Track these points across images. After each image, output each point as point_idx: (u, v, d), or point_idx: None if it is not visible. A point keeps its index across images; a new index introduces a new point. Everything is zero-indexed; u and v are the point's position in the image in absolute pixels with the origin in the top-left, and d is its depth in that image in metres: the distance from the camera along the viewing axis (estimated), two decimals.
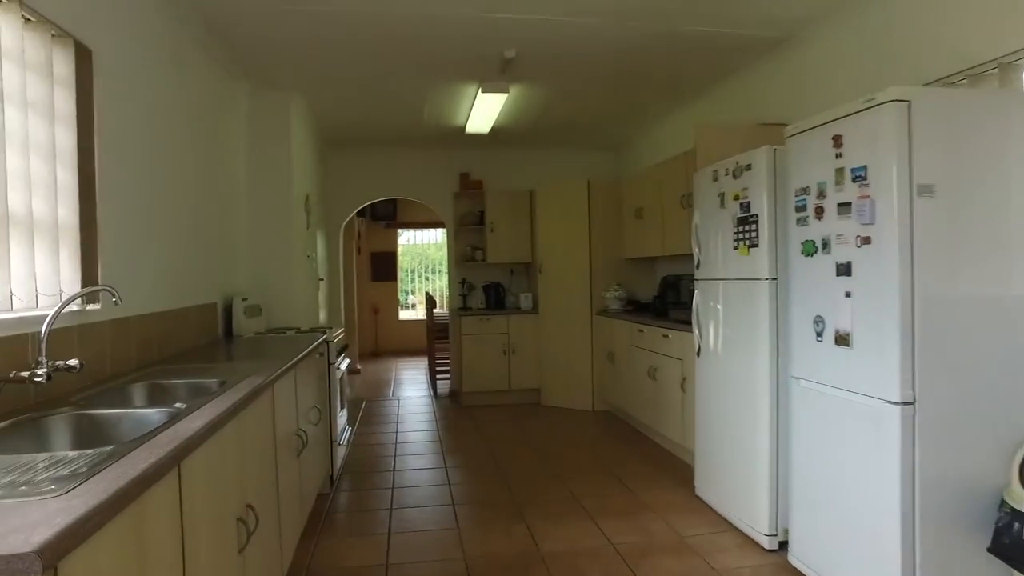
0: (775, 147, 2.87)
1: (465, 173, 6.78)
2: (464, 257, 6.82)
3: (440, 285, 11.75)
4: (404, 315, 11.16)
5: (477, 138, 6.33)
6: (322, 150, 6.40)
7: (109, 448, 1.41)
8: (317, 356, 3.59)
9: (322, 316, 6.02)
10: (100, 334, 2.29)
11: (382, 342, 10.73)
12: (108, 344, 2.35)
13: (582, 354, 6.09)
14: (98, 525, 1.05)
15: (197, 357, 2.88)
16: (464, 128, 5.87)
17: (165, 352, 2.91)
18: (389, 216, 10.37)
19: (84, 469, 1.24)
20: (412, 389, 7.45)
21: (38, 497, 1.09)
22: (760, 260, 2.92)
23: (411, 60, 4.13)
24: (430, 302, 7.40)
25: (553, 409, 6.16)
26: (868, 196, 2.21)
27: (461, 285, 6.84)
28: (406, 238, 11.57)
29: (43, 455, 1.40)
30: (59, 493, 1.10)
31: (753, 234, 2.96)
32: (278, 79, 4.44)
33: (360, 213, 8.80)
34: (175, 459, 1.39)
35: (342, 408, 4.34)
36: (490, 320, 6.33)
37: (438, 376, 7.25)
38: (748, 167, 3.00)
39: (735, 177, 3.11)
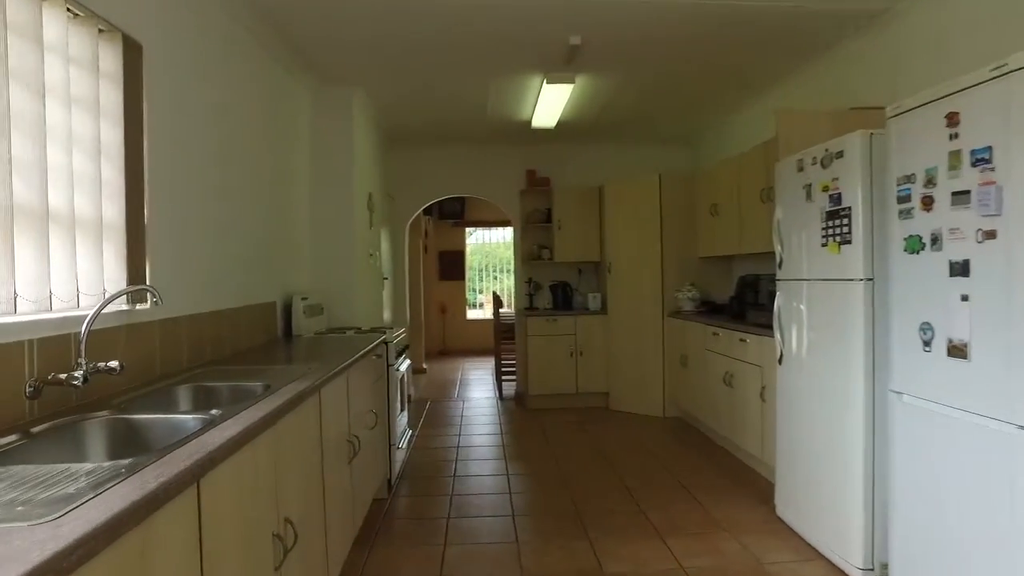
0: (872, 131, 2.54)
1: (531, 170, 6.60)
2: (531, 256, 6.64)
3: (508, 284, 11.64)
4: (472, 314, 11.10)
5: (543, 133, 6.14)
6: (386, 147, 6.37)
7: (127, 462, 1.31)
8: (374, 358, 3.50)
9: (386, 315, 5.99)
10: (148, 334, 2.24)
11: (449, 341, 10.70)
12: (157, 345, 2.31)
13: (653, 357, 5.80)
14: (84, 558, 0.93)
15: (251, 358, 2.82)
16: (530, 122, 5.70)
17: (219, 352, 2.87)
18: (457, 214, 10.33)
19: (88, 488, 1.14)
20: (477, 390, 7.34)
21: (27, 523, 0.99)
22: (853, 258, 2.60)
23: (473, 50, 3.98)
24: (497, 302, 7.27)
25: (621, 414, 5.89)
26: (993, 182, 1.88)
27: (528, 284, 6.67)
28: (475, 237, 11.52)
29: (60, 467, 1.31)
30: (49, 518, 0.99)
31: (845, 229, 2.64)
32: (340, 74, 4.40)
33: (427, 211, 8.78)
34: (193, 476, 1.27)
35: (402, 410, 4.25)
36: (557, 321, 6.13)
37: (504, 378, 7.11)
38: (839, 155, 2.68)
39: (824, 166, 2.79)
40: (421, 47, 3.93)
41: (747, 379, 4.07)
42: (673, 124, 6.02)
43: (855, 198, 2.58)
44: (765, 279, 4.47)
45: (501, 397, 6.85)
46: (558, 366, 6.14)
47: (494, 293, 8.21)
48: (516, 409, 6.24)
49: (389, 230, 6.44)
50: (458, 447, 4.87)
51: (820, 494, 2.88)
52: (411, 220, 6.87)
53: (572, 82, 4.42)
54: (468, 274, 11.13)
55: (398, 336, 4.14)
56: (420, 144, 6.62)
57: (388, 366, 3.84)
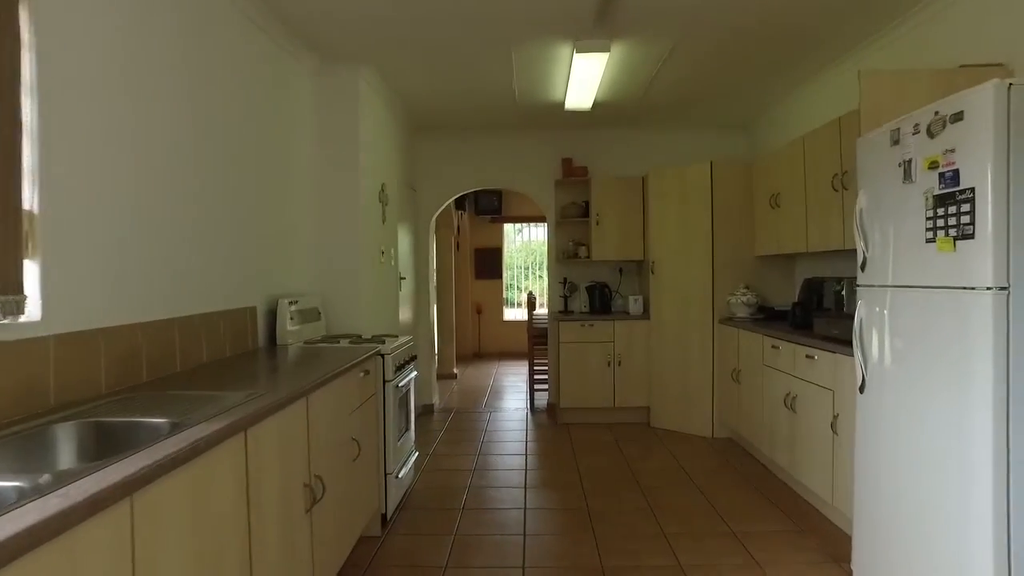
0: (1010, 81, 1.83)
1: (568, 158, 5.97)
2: (566, 253, 6.01)
3: (545, 284, 11.03)
4: (509, 314, 10.53)
5: (579, 118, 5.51)
6: (408, 136, 5.85)
7: None
8: (361, 375, 2.96)
9: (404, 317, 5.47)
10: (30, 355, 1.74)
11: (485, 344, 10.16)
12: (50, 367, 1.80)
13: (701, 370, 5.10)
14: None
15: (198, 379, 2.31)
16: (563, 104, 5.08)
17: (166, 369, 2.37)
18: (494, 209, 9.77)
19: None
20: (509, 399, 6.77)
21: None
22: (977, 259, 1.90)
23: (488, 13, 3.39)
24: (531, 303, 6.68)
25: (663, 433, 5.22)
26: None
27: (562, 285, 6.05)
28: (514, 233, 10.94)
29: None
30: None
31: (964, 219, 1.94)
32: (342, 50, 3.87)
33: (460, 206, 8.24)
34: None
35: (406, 430, 3.70)
36: (593, 326, 5.49)
37: (536, 387, 6.52)
38: (957, 117, 1.97)
39: (931, 135, 2.09)
40: (429, 17, 3.37)
41: (815, 405, 3.36)
42: (727, 104, 5.29)
43: (981, 176, 1.88)
44: (835, 282, 3.74)
45: (532, 409, 6.25)
46: (593, 377, 5.50)
47: (529, 293, 7.62)
48: (547, 423, 5.63)
49: (412, 225, 5.93)
50: (474, 470, 4.30)
51: (921, 562, 2.19)
52: (437, 214, 6.33)
53: (606, 51, 3.78)
54: (506, 273, 10.56)
55: (401, 346, 3.60)
56: (446, 133, 6.07)
57: (384, 382, 3.30)
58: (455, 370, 8.19)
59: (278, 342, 3.34)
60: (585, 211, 5.88)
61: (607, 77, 4.45)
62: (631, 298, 5.60)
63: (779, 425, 3.85)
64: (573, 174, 5.91)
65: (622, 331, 5.48)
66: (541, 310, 9.32)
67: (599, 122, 5.79)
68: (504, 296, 10.44)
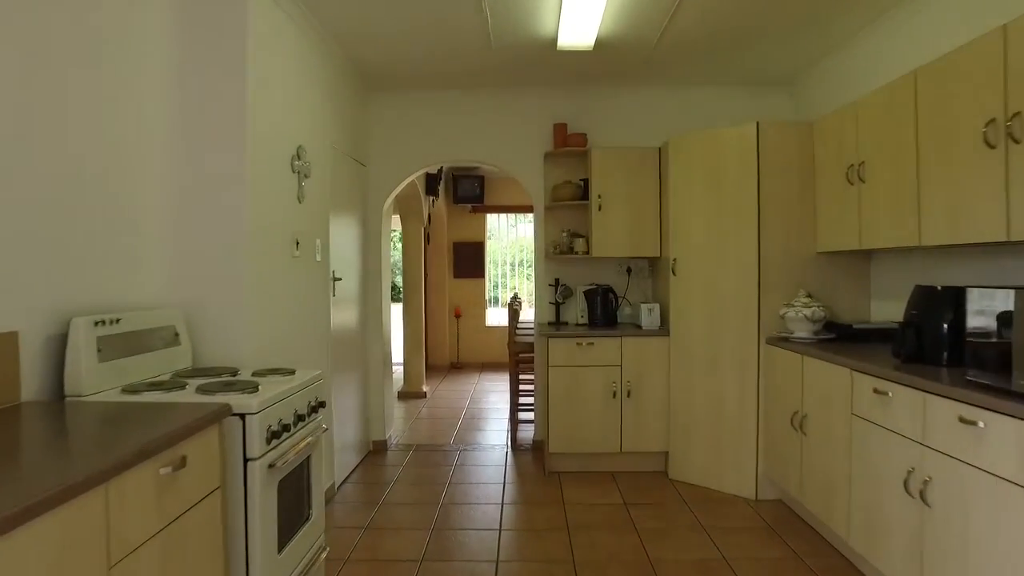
0: None
1: (561, 124, 4.60)
2: (558, 248, 4.64)
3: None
4: (493, 318, 9.16)
5: (576, 68, 4.16)
6: (356, 98, 4.46)
7: None
8: (167, 470, 1.57)
9: (343, 328, 4.08)
10: None
11: (465, 352, 8.79)
12: None
13: (740, 407, 3.76)
14: None
15: None
16: (555, 42, 3.71)
17: None
18: (475, 197, 8.39)
19: None
20: (487, 428, 5.40)
21: None
22: None
23: None
24: (513, 310, 5.28)
25: (688, 490, 3.87)
26: None
27: (554, 290, 4.69)
28: (505, 226, 9.57)
29: None
30: None
31: None
32: None
33: (431, 190, 6.86)
34: None
35: (303, 521, 2.32)
36: (594, 345, 4.13)
37: (521, 413, 5.16)
38: None
39: None
40: None
41: (980, 506, 2.01)
42: (770, 51, 3.94)
43: None
44: (980, 294, 2.37)
45: (515, 445, 4.89)
46: (594, 412, 4.14)
47: (512, 296, 6.25)
48: (532, 470, 4.27)
49: (359, 211, 4.55)
50: (422, 561, 2.93)
51: None
52: (393, 196, 4.95)
53: None
54: (490, 270, 9.19)
55: (291, 391, 2.21)
56: (404, 94, 4.70)
57: (246, 462, 1.92)
58: (424, 388, 6.81)
59: (67, 392, 1.96)
60: (583, 192, 4.52)
61: (612, 5, 3.09)
62: (644, 307, 4.24)
63: (890, 515, 2.50)
64: (568, 143, 4.53)
65: (632, 351, 4.13)
66: (528, 315, 7.95)
67: (602, 76, 4.43)
68: (487, 297, 9.07)
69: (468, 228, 8.77)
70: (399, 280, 9.31)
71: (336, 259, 3.98)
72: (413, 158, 4.79)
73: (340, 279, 3.98)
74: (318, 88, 3.63)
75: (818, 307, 3.41)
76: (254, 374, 2.37)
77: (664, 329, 4.15)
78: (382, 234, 4.83)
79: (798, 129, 3.70)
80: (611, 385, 4.12)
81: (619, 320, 4.55)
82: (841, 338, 3.38)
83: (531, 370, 5.25)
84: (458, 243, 8.74)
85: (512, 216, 9.53)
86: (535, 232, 4.82)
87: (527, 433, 5.12)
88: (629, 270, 4.71)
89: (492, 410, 6.17)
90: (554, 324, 4.62)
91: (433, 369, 8.40)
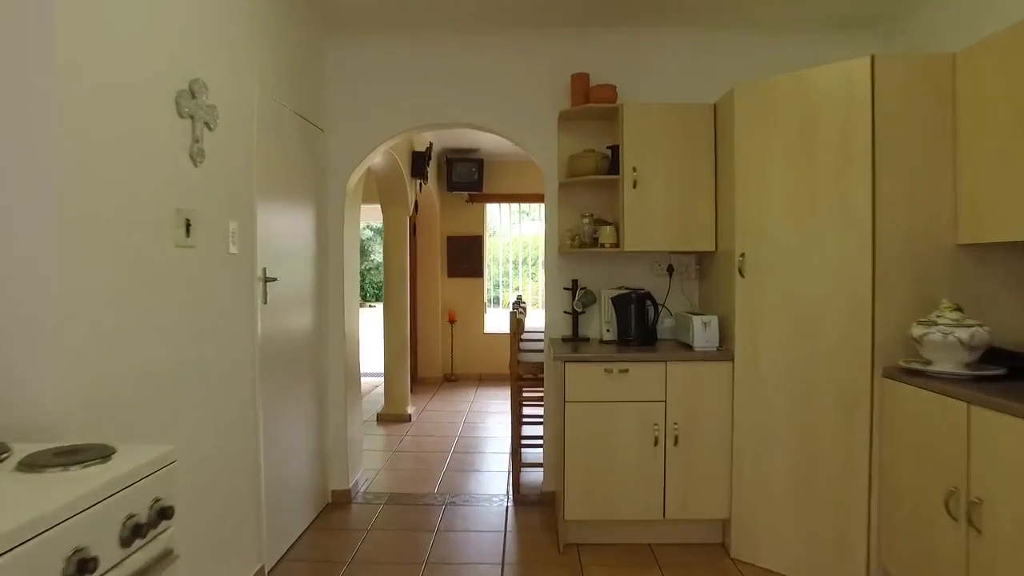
0: None
1: (581, 74, 3.44)
2: (577, 239, 3.49)
3: (541, 288, 8.56)
4: (493, 322, 8.01)
5: (602, 5, 3.02)
6: (309, 36, 3.32)
7: None
8: None
9: (287, 332, 2.93)
10: None
11: (460, 363, 7.64)
12: None
13: (846, 465, 2.62)
14: None
15: None
16: None
17: None
18: (472, 184, 7.24)
19: None
20: (482, 470, 4.27)
21: None
22: None
23: None
24: (516, 321, 4.12)
25: (758, 575, 2.74)
26: None
27: (571, 295, 3.55)
28: (495, 216, 8.45)
29: None
30: None
31: None
32: None
33: (417, 171, 5.71)
34: None
35: None
36: (628, 373, 2.98)
37: (525, 453, 4.03)
38: None
39: None
40: None
41: None
42: None
43: None
44: None
45: (516, 496, 3.76)
46: (628, 463, 3.00)
47: (515, 301, 5.12)
48: (541, 540, 3.14)
49: (313, 191, 3.42)
50: None
51: None
52: (361, 172, 3.82)
53: None
54: (489, 269, 8.06)
55: (85, 500, 1.09)
56: (379, 33, 3.55)
57: None
58: (409, 409, 5.67)
59: None
60: (612, 164, 3.37)
61: None
62: (696, 320, 3.09)
63: None
64: (591, 99, 3.38)
65: (681, 381, 2.99)
66: (533, 324, 6.75)
67: (638, 12, 3.29)
68: (486, 298, 7.93)
69: (464, 220, 7.62)
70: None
71: (273, 252, 2.85)
72: (387, 122, 3.65)
73: (273, 279, 2.84)
74: (238, 7, 2.50)
75: (978, 327, 2.26)
76: (22, 462, 1.24)
77: (725, 350, 3.01)
78: (345, 220, 3.69)
79: (934, 64, 2.55)
80: (652, 428, 2.98)
81: (658, 336, 3.41)
82: (1016, 374, 2.23)
83: (538, 392, 4.12)
84: (453, 237, 7.59)
85: (515, 208, 8.38)
86: (546, 218, 3.67)
87: (533, 477, 3.99)
88: (671, 269, 3.56)
89: (490, 440, 5.03)
90: (571, 340, 3.48)
91: (423, 383, 7.26)
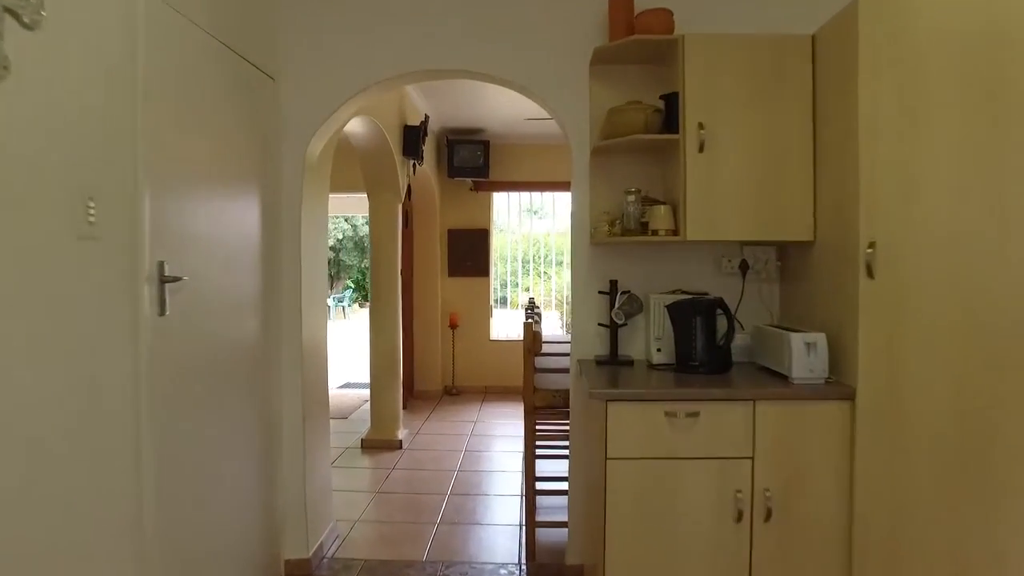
0: None
1: None
2: (618, 225, 2.54)
3: (564, 282, 7.77)
4: (500, 327, 7.09)
5: None
6: None
7: None
8: None
9: (214, 347, 2.00)
10: None
11: (463, 373, 6.72)
12: None
13: None
14: None
15: None
16: None
17: None
18: (476, 169, 6.31)
19: None
20: (485, 523, 3.35)
21: None
22: None
23: None
24: (531, 333, 3.14)
25: None
26: None
27: (610, 301, 2.61)
28: (503, 207, 7.53)
29: None
30: None
31: None
32: None
33: (409, 150, 4.77)
34: None
35: None
36: (698, 418, 2.05)
37: (541, 506, 3.10)
38: None
39: None
40: None
41: None
42: None
43: None
44: None
45: (532, 568, 2.83)
46: (693, 546, 2.06)
47: (528, 303, 4.20)
48: None
49: (260, 158, 2.50)
50: None
51: None
52: (324, 137, 2.90)
53: None
54: (496, 268, 7.15)
55: None
56: None
57: None
58: (400, 434, 4.75)
59: None
60: (667, 121, 2.43)
61: None
62: (794, 339, 2.13)
63: None
64: (637, 30, 2.43)
65: (775, 428, 2.05)
66: (549, 331, 5.80)
67: None
68: (493, 299, 7.01)
69: (468, 211, 6.69)
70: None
71: (180, 241, 1.93)
72: (361, 67, 2.72)
73: (179, 279, 1.91)
74: None
75: None
76: None
77: (839, 383, 2.07)
78: (304, 199, 2.76)
79: None
80: (733, 496, 2.05)
81: (732, 357, 2.46)
82: None
83: (559, 427, 3.21)
84: (455, 230, 6.67)
85: (526, 199, 7.45)
86: (573, 198, 2.73)
87: (553, 539, 3.06)
88: (744, 267, 2.62)
89: (496, 476, 4.11)
90: (608, 362, 2.55)
91: (419, 398, 6.34)
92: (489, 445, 4.79)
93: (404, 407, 5.26)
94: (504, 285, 7.96)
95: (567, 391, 2.83)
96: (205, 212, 2.13)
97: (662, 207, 2.40)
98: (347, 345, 10.30)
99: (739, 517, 2.05)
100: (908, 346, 1.92)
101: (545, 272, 8.71)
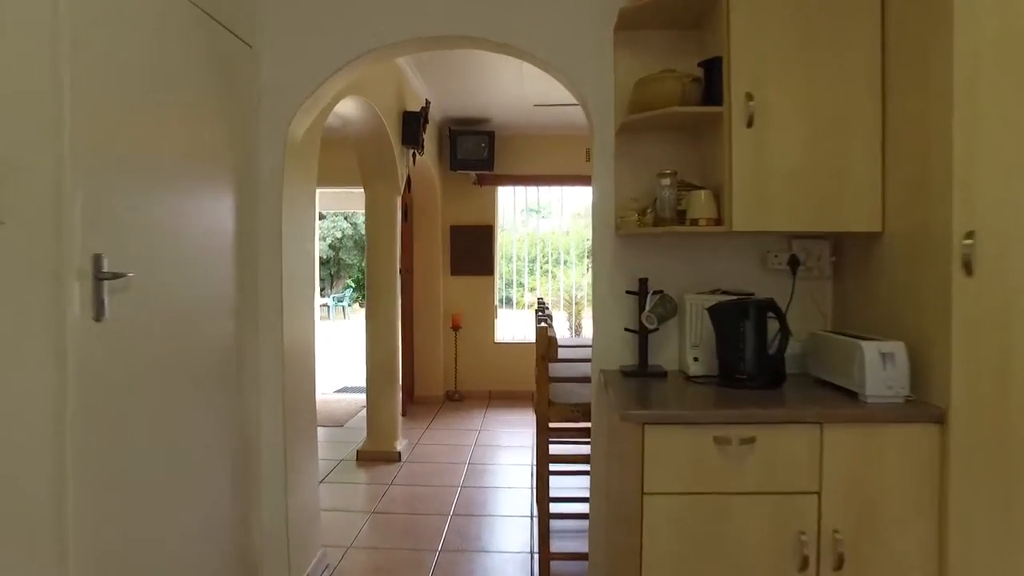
0: None
1: None
2: (649, 214, 2.19)
3: (571, 282, 7.43)
4: (506, 328, 6.74)
5: None
6: None
7: None
8: None
9: (173, 354, 1.66)
10: None
11: (466, 377, 6.36)
12: None
13: None
14: None
15: None
16: None
17: None
18: (481, 163, 5.95)
19: None
20: (492, 550, 2.99)
21: None
22: None
23: None
24: (545, 339, 2.78)
25: None
26: None
27: (639, 302, 2.25)
28: (509, 202, 7.18)
29: None
30: None
31: None
32: None
33: (409, 138, 4.41)
34: None
35: None
36: (756, 444, 1.69)
37: (554, 531, 2.75)
38: None
39: None
40: None
41: None
42: None
43: None
44: None
45: None
46: None
47: (537, 305, 3.86)
48: None
49: (231, 136, 2.16)
50: None
51: None
52: (311, 114, 2.56)
53: None
54: (501, 267, 6.80)
55: None
56: None
57: None
58: (398, 445, 4.40)
59: None
60: (708, 91, 2.07)
61: None
62: (867, 348, 1.78)
63: None
64: None
65: (846, 456, 1.69)
66: (562, 337, 5.41)
67: None
68: (498, 299, 6.66)
69: (472, 206, 6.34)
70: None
71: (127, 231, 1.59)
72: (351, 32, 2.37)
73: (124, 275, 1.56)
74: None
75: None
76: None
77: (923, 403, 1.71)
78: (286, 185, 2.41)
79: None
80: (797, 539, 1.69)
81: (786, 371, 2.10)
82: None
83: (578, 437, 2.86)
84: (458, 227, 6.32)
85: (532, 194, 7.09)
86: (595, 183, 2.37)
87: (570, 570, 2.70)
88: (794, 263, 2.26)
89: (503, 493, 3.76)
90: (636, 374, 2.19)
91: (420, 403, 5.99)
92: (494, 457, 4.44)
93: (404, 414, 4.92)
94: (509, 284, 7.61)
95: (587, 405, 2.48)
96: (162, 197, 1.78)
97: (703, 192, 2.04)
98: (347, 346, 9.96)
99: (804, 565, 1.69)
100: (1020, 358, 1.56)
101: (552, 272, 8.36)
